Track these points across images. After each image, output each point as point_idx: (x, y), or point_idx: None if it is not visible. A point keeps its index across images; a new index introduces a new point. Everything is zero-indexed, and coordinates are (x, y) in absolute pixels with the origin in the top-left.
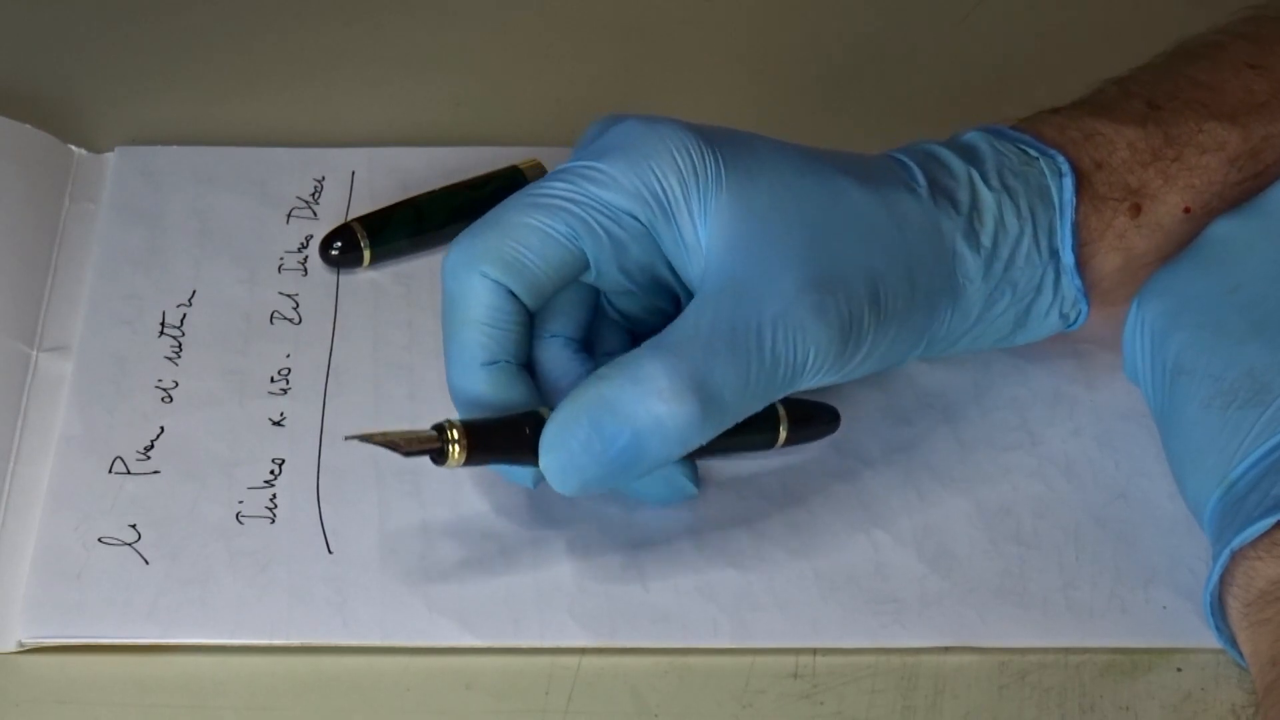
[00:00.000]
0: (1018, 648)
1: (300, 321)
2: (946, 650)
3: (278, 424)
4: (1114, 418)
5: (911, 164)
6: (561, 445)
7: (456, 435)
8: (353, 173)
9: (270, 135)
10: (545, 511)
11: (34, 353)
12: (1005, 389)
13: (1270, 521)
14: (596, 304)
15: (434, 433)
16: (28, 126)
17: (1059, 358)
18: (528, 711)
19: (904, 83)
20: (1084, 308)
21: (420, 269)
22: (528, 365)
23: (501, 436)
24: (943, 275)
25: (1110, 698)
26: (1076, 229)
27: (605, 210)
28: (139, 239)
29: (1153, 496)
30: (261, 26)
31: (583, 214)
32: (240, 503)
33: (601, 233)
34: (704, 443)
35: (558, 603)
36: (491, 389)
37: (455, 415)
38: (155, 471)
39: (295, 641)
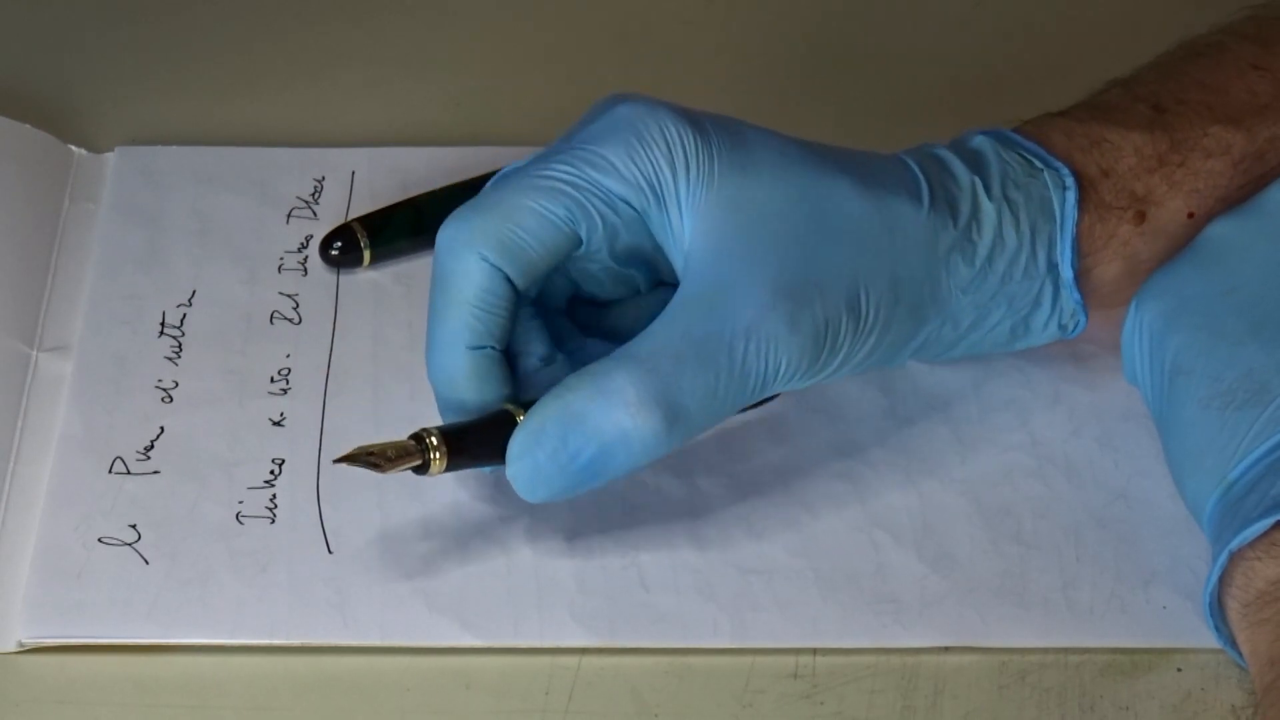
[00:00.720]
0: (1018, 648)
1: (300, 321)
2: (946, 650)
3: (278, 424)
4: (1114, 418)
5: (916, 168)
6: (529, 455)
7: (435, 443)
8: (353, 173)
9: (270, 135)
10: (546, 512)
11: (34, 353)
12: (1005, 389)
13: (1269, 522)
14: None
15: (413, 443)
16: (28, 126)
17: (1059, 359)
18: (528, 711)
19: (906, 83)
20: (1082, 319)
21: (420, 269)
22: (507, 350)
23: (478, 441)
24: (931, 286)
25: (1110, 698)
26: (1077, 242)
27: (603, 196)
28: (139, 239)
29: (1153, 496)
30: (261, 26)
31: (582, 199)
32: (240, 503)
33: (598, 218)
34: (670, 451)
35: (558, 603)
36: (472, 374)
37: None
38: (155, 472)
39: (295, 641)
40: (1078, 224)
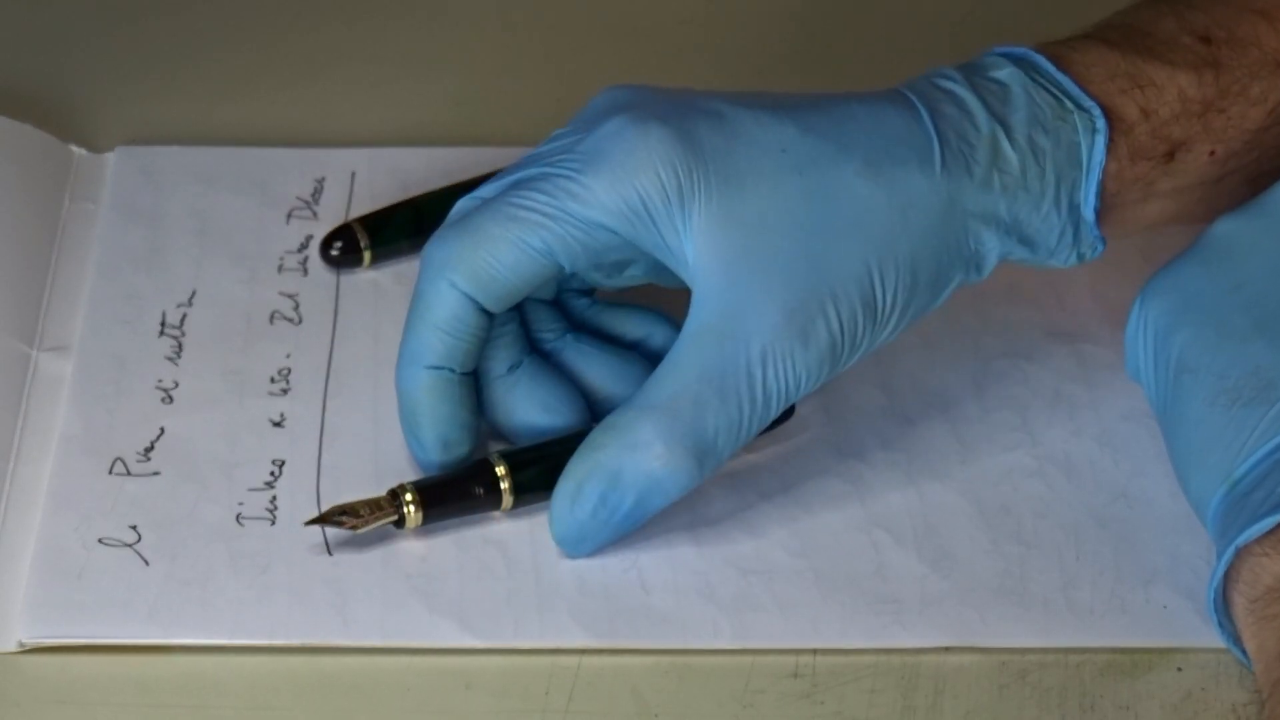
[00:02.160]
0: (1018, 648)
1: (300, 321)
2: (946, 650)
3: (278, 425)
4: (1114, 418)
5: (926, 115)
6: (570, 518)
7: (411, 498)
8: (353, 173)
9: (270, 135)
10: (545, 512)
11: (34, 353)
12: (1005, 389)
13: (1277, 518)
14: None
15: (388, 499)
16: (28, 126)
17: (1059, 358)
18: (528, 711)
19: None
20: (1100, 246)
21: None
22: (473, 372)
23: (456, 494)
24: (950, 250)
25: (1110, 697)
26: (1102, 184)
27: (583, 226)
28: (139, 239)
29: (1153, 496)
30: (261, 26)
31: (559, 229)
32: (240, 504)
33: (578, 247)
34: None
35: (558, 603)
36: (428, 391)
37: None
38: (155, 473)
39: (295, 642)
40: (1105, 166)
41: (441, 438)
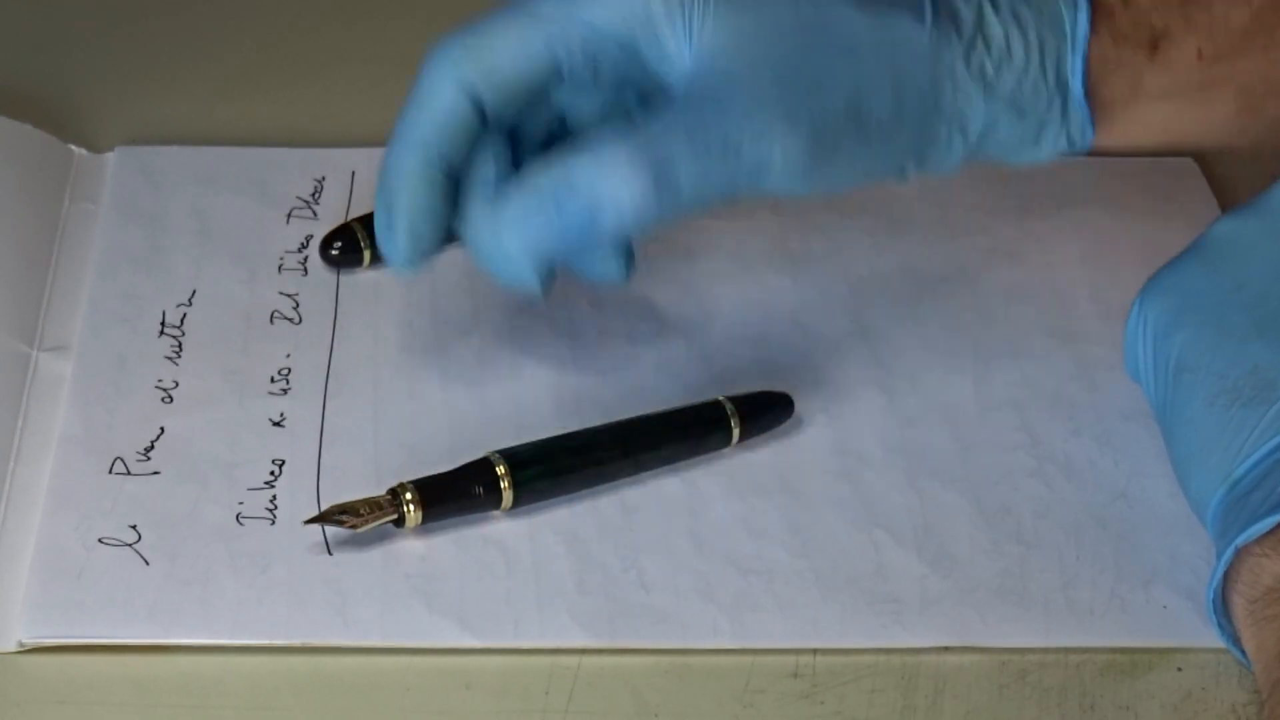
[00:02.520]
0: (1018, 647)
1: (300, 321)
2: (946, 650)
3: (278, 424)
4: (1114, 418)
5: None
6: (517, 202)
7: (410, 496)
8: (353, 173)
9: (270, 135)
10: (546, 513)
11: (34, 353)
12: (1005, 389)
13: (1276, 519)
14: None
15: (388, 498)
16: (28, 126)
17: (1059, 358)
18: (528, 711)
19: None
20: (1090, 132)
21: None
22: (457, 187)
23: (455, 492)
24: (935, 98)
25: (1110, 697)
26: (1088, 63)
27: (588, 29)
28: (139, 239)
29: (1153, 496)
30: (262, 26)
31: (561, 30)
32: (240, 504)
33: (578, 49)
34: (656, 221)
35: (558, 603)
36: (412, 176)
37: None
38: (155, 472)
39: (295, 642)
40: (1090, 48)
41: (412, 226)
